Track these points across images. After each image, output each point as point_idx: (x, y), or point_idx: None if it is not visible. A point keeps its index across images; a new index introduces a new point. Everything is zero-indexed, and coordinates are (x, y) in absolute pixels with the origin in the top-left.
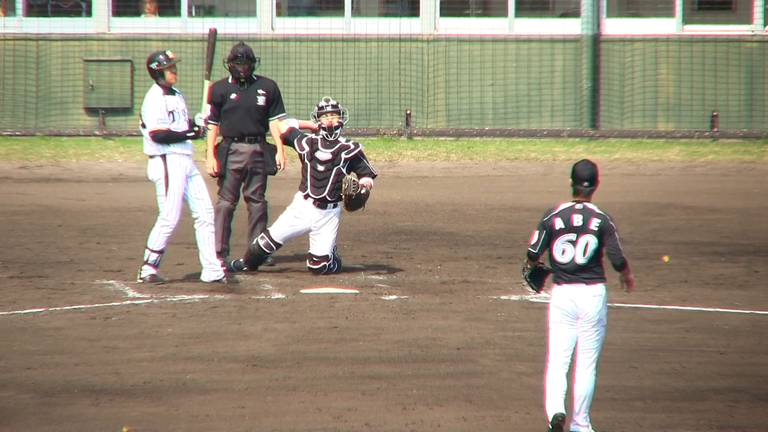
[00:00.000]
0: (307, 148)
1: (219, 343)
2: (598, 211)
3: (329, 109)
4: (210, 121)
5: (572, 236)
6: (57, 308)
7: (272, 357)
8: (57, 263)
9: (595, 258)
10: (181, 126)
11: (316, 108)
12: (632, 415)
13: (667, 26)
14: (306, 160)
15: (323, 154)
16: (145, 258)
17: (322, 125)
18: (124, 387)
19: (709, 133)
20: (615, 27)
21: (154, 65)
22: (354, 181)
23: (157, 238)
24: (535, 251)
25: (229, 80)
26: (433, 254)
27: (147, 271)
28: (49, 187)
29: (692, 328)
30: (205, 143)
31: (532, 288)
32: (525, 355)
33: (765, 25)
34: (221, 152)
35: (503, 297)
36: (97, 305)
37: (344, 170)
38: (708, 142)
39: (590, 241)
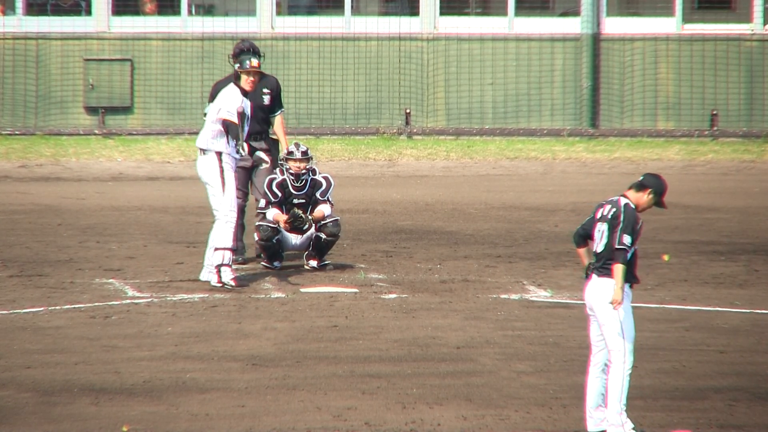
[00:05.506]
0: (279, 194)
1: (219, 342)
2: (621, 203)
3: (298, 156)
4: None
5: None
6: (57, 307)
7: (272, 356)
8: (57, 262)
9: (608, 250)
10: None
11: (285, 151)
12: (632, 414)
13: (667, 25)
14: (282, 205)
15: (298, 200)
16: (220, 260)
17: (290, 170)
18: (123, 386)
19: (708, 132)
20: (615, 26)
21: (238, 66)
22: (299, 216)
23: (227, 236)
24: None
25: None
26: (432, 253)
27: (227, 274)
28: (48, 186)
29: (692, 327)
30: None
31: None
32: (525, 354)
33: (765, 24)
34: None
35: (503, 296)
36: (96, 304)
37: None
38: (708, 141)
39: (603, 229)
